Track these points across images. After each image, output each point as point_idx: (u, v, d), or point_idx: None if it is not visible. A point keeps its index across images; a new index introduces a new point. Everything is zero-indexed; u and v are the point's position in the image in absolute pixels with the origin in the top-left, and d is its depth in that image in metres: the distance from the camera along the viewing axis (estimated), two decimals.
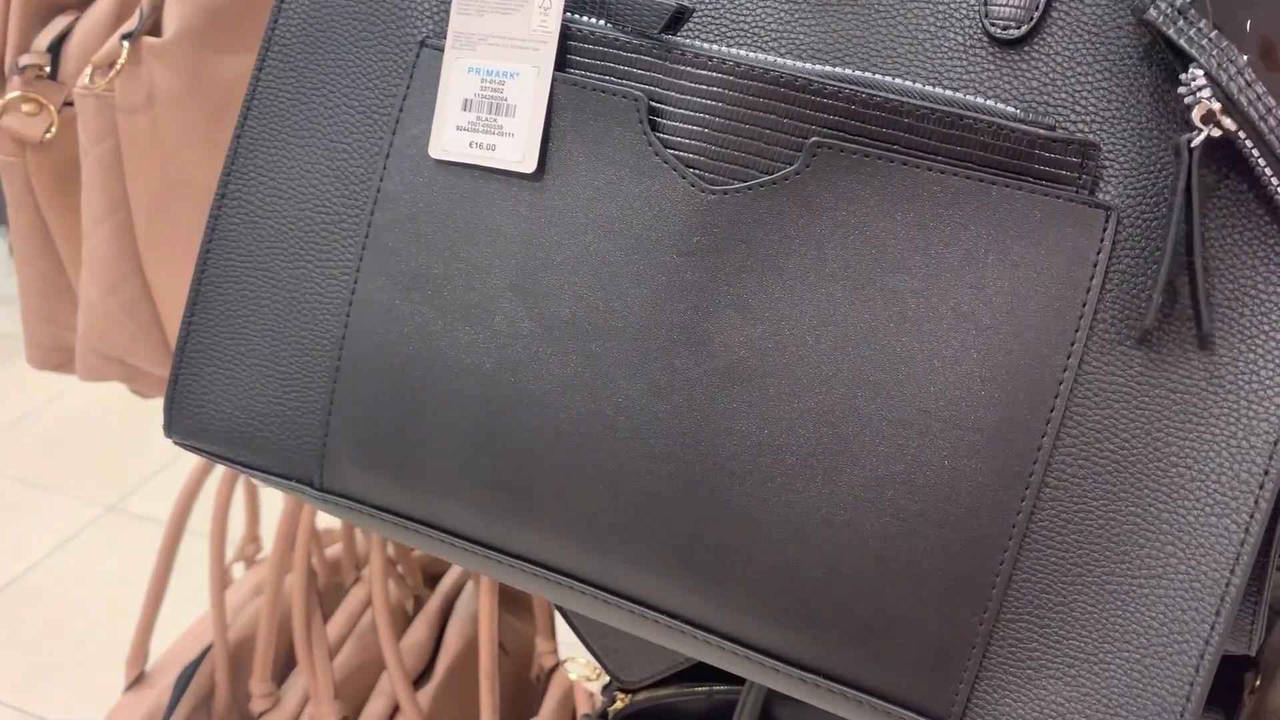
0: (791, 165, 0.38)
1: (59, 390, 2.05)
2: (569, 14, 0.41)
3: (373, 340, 0.43)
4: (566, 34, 0.41)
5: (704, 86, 0.39)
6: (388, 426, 0.43)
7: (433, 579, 1.11)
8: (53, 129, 0.68)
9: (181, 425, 0.48)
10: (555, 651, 1.00)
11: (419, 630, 1.04)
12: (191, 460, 1.85)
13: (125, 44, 0.61)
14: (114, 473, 1.85)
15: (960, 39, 0.37)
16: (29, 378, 2.07)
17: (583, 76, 0.41)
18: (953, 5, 0.38)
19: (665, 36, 0.40)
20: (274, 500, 0.94)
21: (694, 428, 0.38)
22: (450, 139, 0.42)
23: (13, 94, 0.68)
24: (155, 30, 0.62)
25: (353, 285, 0.44)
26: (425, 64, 0.43)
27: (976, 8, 0.37)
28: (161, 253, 0.65)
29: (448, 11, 0.43)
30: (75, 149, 0.71)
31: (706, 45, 0.40)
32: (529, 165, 0.41)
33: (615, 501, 0.40)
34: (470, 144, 0.42)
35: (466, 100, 0.42)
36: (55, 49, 0.69)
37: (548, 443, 0.40)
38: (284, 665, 1.00)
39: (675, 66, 0.39)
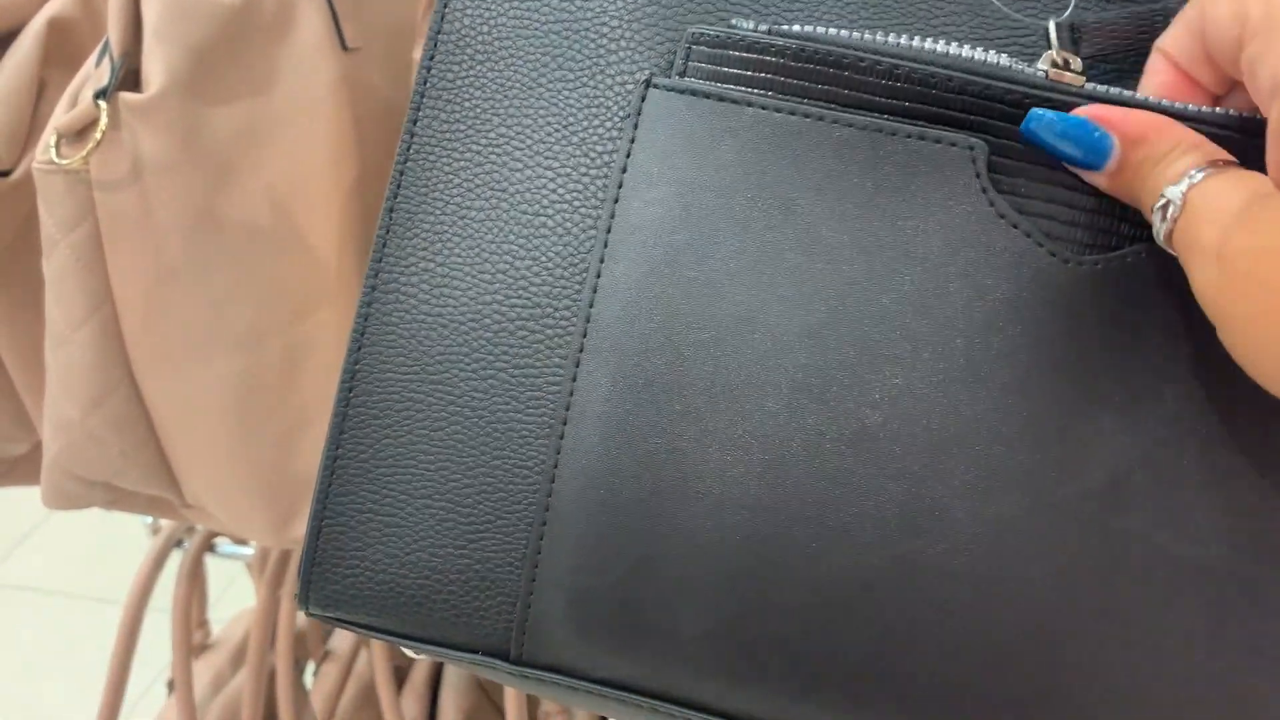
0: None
1: None
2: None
3: (598, 467, 0.34)
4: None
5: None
6: (619, 579, 0.34)
7: None
8: None
9: (326, 593, 0.38)
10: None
11: (409, 705, 0.94)
12: (66, 523, 1.64)
13: (102, 104, 0.48)
14: None
15: None
16: None
17: (864, 117, 0.34)
18: None
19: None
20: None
21: (1065, 565, 0.32)
22: None
23: None
24: (133, 84, 0.50)
25: (566, 399, 0.35)
26: (655, 110, 0.35)
27: None
28: (158, 353, 0.53)
29: (660, 45, 0.36)
30: (8, 232, 0.57)
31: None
32: None
33: (924, 658, 0.33)
34: None
35: None
36: None
37: (854, 590, 0.33)
38: None
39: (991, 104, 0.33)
